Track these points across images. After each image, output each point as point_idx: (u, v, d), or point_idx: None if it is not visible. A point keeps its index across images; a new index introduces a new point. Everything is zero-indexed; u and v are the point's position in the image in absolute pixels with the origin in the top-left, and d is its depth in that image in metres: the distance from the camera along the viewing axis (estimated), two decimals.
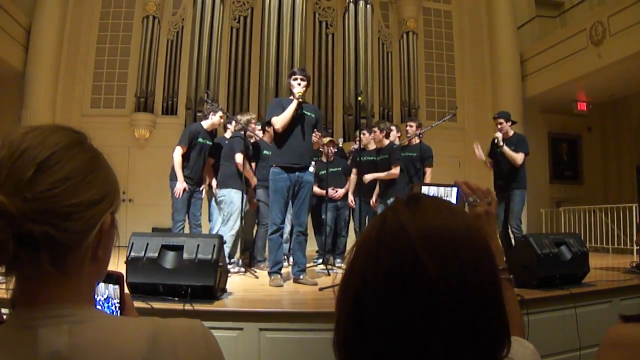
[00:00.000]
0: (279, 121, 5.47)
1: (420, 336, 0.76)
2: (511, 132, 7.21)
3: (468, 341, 0.77)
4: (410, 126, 7.87)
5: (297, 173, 5.54)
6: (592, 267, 5.18)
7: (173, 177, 6.68)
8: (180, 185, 6.56)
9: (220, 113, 7.03)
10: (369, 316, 0.79)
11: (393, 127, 7.91)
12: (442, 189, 1.49)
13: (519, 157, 6.96)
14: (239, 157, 6.66)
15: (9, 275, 0.81)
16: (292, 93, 5.66)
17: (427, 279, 0.77)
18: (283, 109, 5.52)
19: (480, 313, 0.78)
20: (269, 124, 5.63)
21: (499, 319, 0.82)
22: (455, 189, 1.42)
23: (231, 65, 12.90)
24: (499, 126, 7.18)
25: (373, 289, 0.79)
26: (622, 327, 1.22)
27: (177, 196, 6.57)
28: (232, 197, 6.67)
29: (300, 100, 5.51)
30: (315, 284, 5.35)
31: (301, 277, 5.53)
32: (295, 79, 5.62)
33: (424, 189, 1.53)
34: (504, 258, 1.33)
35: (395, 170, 7.04)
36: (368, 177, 7.26)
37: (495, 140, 7.13)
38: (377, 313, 0.78)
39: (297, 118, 5.54)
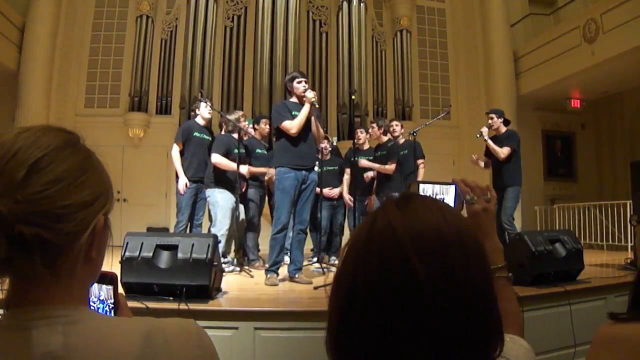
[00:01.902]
0: (295, 126, 5.47)
1: (409, 336, 0.76)
2: (503, 129, 7.29)
3: (457, 342, 0.77)
4: (397, 125, 7.89)
5: (303, 172, 5.56)
6: (586, 264, 5.17)
7: (177, 176, 6.69)
8: (182, 180, 6.54)
9: (204, 104, 7.02)
10: (359, 316, 0.80)
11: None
12: (438, 186, 1.46)
13: (501, 151, 7.04)
14: (214, 157, 6.57)
15: (2, 276, 0.81)
16: (294, 95, 5.70)
17: (416, 280, 0.77)
18: (289, 112, 5.54)
19: (470, 314, 0.78)
20: (279, 129, 5.60)
21: (490, 320, 0.81)
22: (453, 187, 1.40)
23: (225, 64, 12.88)
24: (490, 121, 7.32)
25: (363, 289, 0.80)
26: (613, 325, 1.22)
27: (181, 192, 6.55)
28: (216, 197, 6.57)
29: (317, 105, 5.57)
30: (311, 283, 5.36)
31: (297, 275, 5.54)
32: (300, 82, 5.65)
33: (421, 187, 1.50)
34: (503, 256, 1.32)
35: (391, 167, 7.12)
36: (364, 162, 7.37)
37: (478, 135, 7.26)
38: (367, 313, 0.79)
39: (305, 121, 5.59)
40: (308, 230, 7.88)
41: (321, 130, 5.75)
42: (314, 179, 5.73)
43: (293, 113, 5.53)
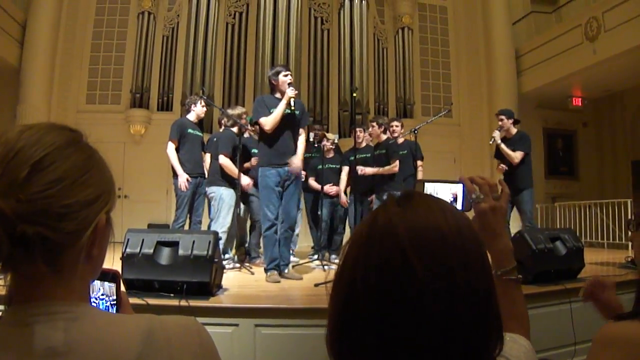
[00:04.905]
0: (269, 122, 5.42)
1: (408, 334, 0.77)
2: (514, 131, 7.24)
3: (455, 342, 0.77)
4: (396, 125, 7.86)
5: (285, 168, 5.51)
6: (587, 262, 5.18)
7: (175, 174, 6.67)
8: (182, 177, 6.52)
9: (201, 102, 7.00)
10: (358, 314, 0.80)
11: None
12: (447, 185, 1.44)
13: (514, 155, 6.98)
14: (222, 159, 6.63)
15: (4, 273, 0.82)
16: (278, 90, 5.63)
17: (415, 280, 0.77)
18: (267, 108, 5.49)
19: (469, 313, 0.78)
20: (257, 124, 5.60)
21: (489, 319, 0.81)
22: (460, 186, 1.37)
23: (226, 61, 12.88)
24: (500, 123, 7.25)
25: (362, 287, 0.80)
26: (614, 325, 1.22)
27: (182, 189, 6.54)
28: (222, 194, 6.63)
29: (292, 106, 5.47)
30: (300, 279, 5.40)
31: (285, 271, 5.53)
32: (287, 75, 5.59)
33: (427, 186, 1.48)
34: (513, 257, 1.29)
35: (394, 166, 7.09)
36: (368, 170, 7.27)
37: (492, 141, 7.22)
38: (366, 311, 0.79)
39: (285, 117, 5.50)
40: (308, 227, 7.93)
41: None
42: (297, 176, 5.69)
43: (271, 110, 5.48)
